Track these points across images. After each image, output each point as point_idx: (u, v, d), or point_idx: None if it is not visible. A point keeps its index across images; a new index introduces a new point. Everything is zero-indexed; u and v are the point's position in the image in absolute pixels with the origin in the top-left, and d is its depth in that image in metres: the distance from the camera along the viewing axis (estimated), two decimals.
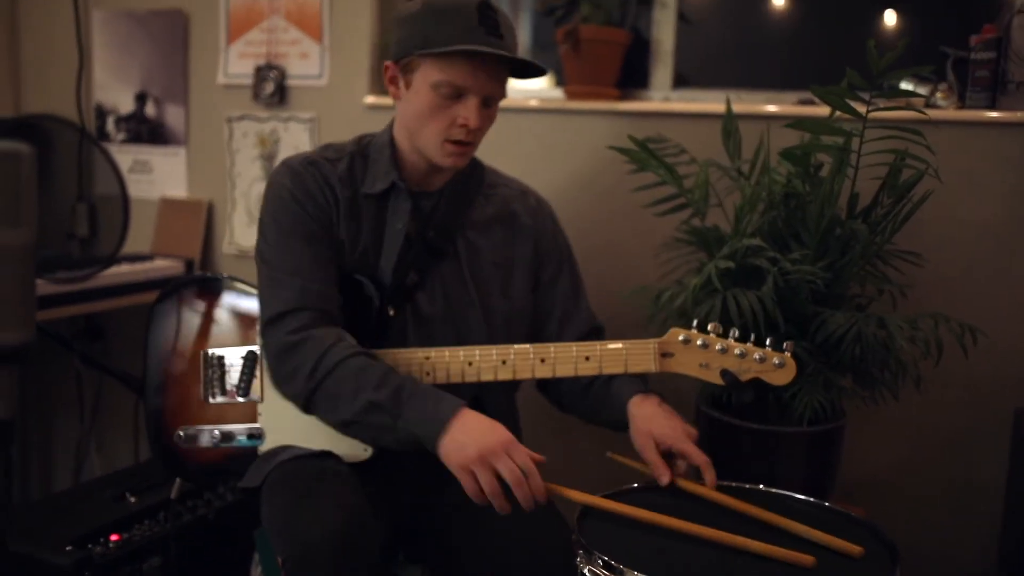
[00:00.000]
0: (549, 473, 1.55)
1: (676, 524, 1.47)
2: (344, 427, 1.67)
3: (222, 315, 1.93)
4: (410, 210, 1.82)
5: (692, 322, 1.69)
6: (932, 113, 2.10)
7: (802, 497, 1.67)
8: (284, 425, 1.84)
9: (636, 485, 1.67)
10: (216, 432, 1.85)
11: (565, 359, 1.68)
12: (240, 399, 1.86)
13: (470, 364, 1.71)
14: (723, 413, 2.00)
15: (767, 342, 1.57)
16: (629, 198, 2.28)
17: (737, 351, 1.58)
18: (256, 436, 1.85)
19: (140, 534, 2.22)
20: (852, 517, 1.60)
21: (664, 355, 1.64)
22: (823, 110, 2.00)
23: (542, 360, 1.70)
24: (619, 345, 1.67)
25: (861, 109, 1.88)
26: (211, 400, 1.88)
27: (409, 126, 1.78)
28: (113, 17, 3.23)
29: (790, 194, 2.00)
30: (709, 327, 1.62)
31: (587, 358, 1.68)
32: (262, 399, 1.86)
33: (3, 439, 0.88)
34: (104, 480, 2.62)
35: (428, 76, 1.70)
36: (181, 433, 1.87)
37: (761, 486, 1.70)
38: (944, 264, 2.22)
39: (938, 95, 2.23)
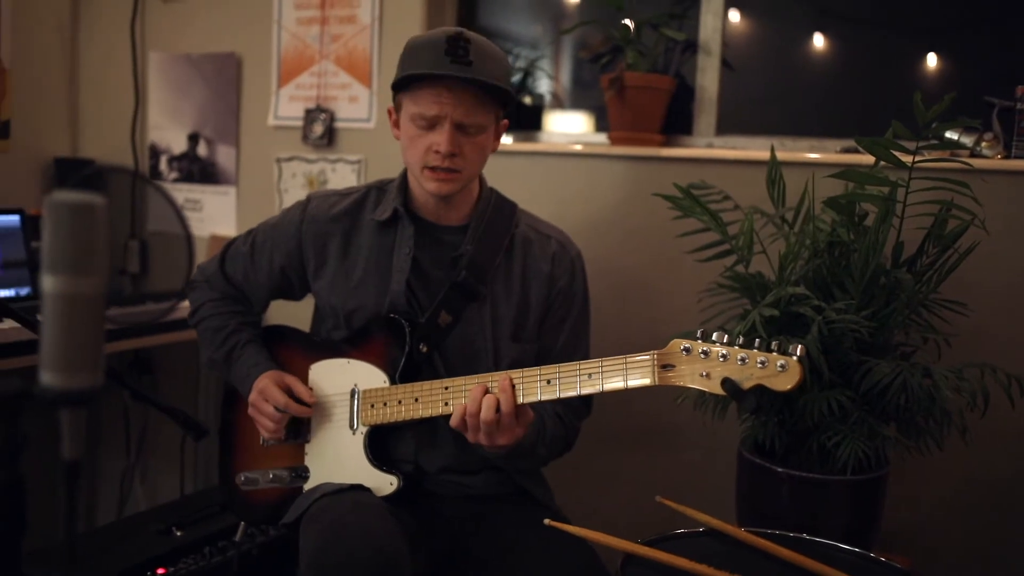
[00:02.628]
0: (597, 518, 1.56)
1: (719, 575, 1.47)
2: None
3: (280, 361, 1.98)
4: (413, 235, 1.90)
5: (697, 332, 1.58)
6: (977, 163, 2.10)
7: (846, 546, 1.66)
8: (325, 463, 1.89)
9: (680, 531, 1.68)
10: (270, 474, 1.91)
11: (569, 379, 1.64)
12: (291, 441, 1.92)
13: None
14: (765, 459, 2.00)
15: (772, 345, 1.46)
16: (672, 243, 2.30)
17: (739, 357, 1.47)
18: (302, 476, 1.89)
19: (186, 568, 2.25)
20: (896, 568, 1.59)
21: (665, 367, 1.55)
22: (867, 158, 2.01)
23: (548, 381, 1.66)
24: (619, 359, 1.60)
25: (906, 159, 1.89)
26: (266, 444, 1.95)
27: (404, 159, 1.89)
28: (169, 59, 3.32)
29: (834, 242, 2.01)
30: (714, 335, 1.51)
31: (589, 376, 1.62)
32: (308, 439, 1.91)
33: (72, 478, 0.91)
34: (150, 514, 2.66)
35: (407, 111, 1.82)
36: (242, 477, 1.94)
37: (805, 535, 1.69)
38: (990, 314, 2.20)
39: (983, 144, 2.23)
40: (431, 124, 1.78)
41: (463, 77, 1.73)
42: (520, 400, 1.67)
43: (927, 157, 1.92)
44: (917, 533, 2.33)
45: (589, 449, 2.04)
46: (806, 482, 1.94)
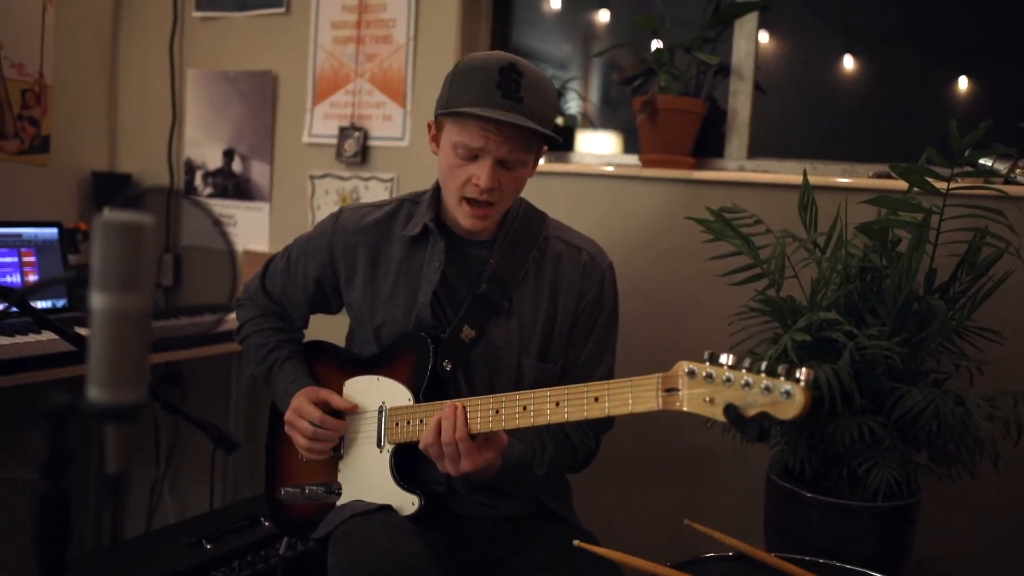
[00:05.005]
0: (626, 540, 1.56)
1: None
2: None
3: (318, 377, 2.01)
4: (444, 248, 1.88)
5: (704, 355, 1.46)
6: (1012, 190, 2.09)
7: (875, 574, 1.65)
8: (356, 480, 1.91)
9: (709, 555, 1.68)
10: (306, 489, 1.93)
11: (577, 402, 1.59)
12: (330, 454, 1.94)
13: (497, 412, 1.68)
14: (794, 484, 2.00)
15: (779, 369, 1.35)
16: (702, 266, 2.30)
17: (743, 381, 1.36)
18: (336, 492, 1.91)
19: None
20: None
21: (669, 391, 1.46)
22: (899, 183, 2.01)
23: (557, 404, 1.62)
24: (624, 382, 1.55)
25: (940, 186, 1.89)
26: (304, 459, 1.96)
27: (441, 181, 1.88)
28: (206, 76, 3.37)
29: (866, 268, 2.00)
30: (721, 357, 1.40)
31: (596, 399, 1.57)
32: (342, 456, 1.92)
33: (116, 490, 0.93)
34: (179, 526, 2.68)
35: (449, 136, 1.77)
36: (283, 491, 1.96)
37: (834, 561, 1.69)
38: (1023, 342, 2.19)
39: (1017, 172, 2.22)
40: (472, 156, 1.75)
41: (513, 123, 1.70)
42: (531, 422, 1.64)
43: (961, 184, 1.91)
44: (948, 561, 2.31)
45: (618, 471, 2.04)
46: (836, 508, 1.94)
